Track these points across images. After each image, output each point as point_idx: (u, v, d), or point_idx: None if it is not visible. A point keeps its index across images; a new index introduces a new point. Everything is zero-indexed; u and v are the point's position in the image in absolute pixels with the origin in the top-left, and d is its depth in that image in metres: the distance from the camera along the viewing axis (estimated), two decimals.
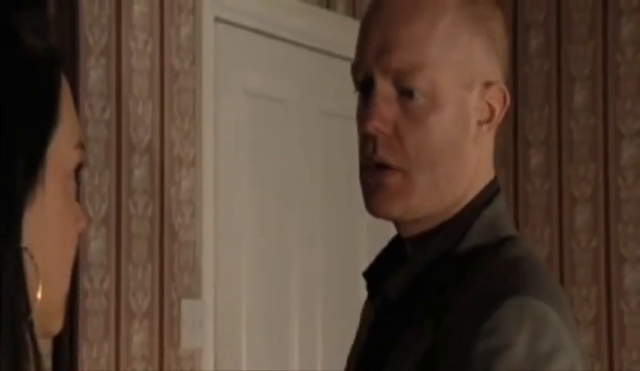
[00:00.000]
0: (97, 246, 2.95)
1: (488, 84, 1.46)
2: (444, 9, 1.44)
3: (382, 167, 1.43)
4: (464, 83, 1.44)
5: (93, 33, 2.98)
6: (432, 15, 1.43)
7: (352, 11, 3.87)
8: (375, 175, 1.43)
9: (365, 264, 4.24)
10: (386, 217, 1.46)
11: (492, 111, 1.47)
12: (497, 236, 1.45)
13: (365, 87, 1.45)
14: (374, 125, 1.41)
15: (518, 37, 4.26)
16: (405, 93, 1.42)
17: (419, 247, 1.47)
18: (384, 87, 1.42)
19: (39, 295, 0.95)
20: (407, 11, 1.43)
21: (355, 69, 1.47)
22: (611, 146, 4.04)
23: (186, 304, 3.18)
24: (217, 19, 3.36)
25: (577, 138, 4.11)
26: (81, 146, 1.01)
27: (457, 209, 1.46)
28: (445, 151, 1.43)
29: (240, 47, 3.46)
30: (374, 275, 1.54)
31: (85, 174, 2.94)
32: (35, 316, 0.95)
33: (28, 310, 0.93)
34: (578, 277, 4.05)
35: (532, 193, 4.19)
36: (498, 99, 1.47)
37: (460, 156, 1.45)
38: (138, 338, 3.05)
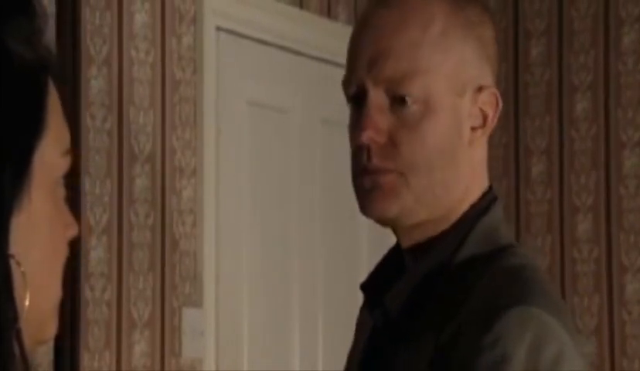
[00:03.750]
0: (98, 255, 2.95)
1: (480, 89, 1.46)
2: (433, 17, 1.44)
3: (377, 171, 1.43)
4: (456, 89, 1.44)
5: (95, 43, 2.98)
6: (422, 23, 1.43)
7: (354, 20, 3.88)
8: (370, 176, 1.43)
9: (365, 273, 4.24)
10: (381, 218, 1.45)
11: (485, 117, 1.47)
12: (495, 244, 1.44)
13: (357, 99, 1.45)
14: (368, 135, 1.41)
15: (519, 46, 4.26)
16: (398, 101, 1.42)
17: (417, 258, 1.46)
18: (377, 97, 1.42)
19: (26, 303, 0.95)
20: (397, 21, 1.44)
21: (347, 82, 1.48)
22: (613, 155, 4.04)
23: (187, 314, 3.18)
24: (218, 29, 3.36)
25: (579, 147, 4.11)
26: (69, 153, 1.01)
27: (454, 217, 1.45)
28: (440, 157, 1.42)
29: (241, 56, 3.47)
30: (372, 287, 1.53)
31: (86, 183, 2.94)
32: (25, 324, 0.94)
33: (15, 318, 0.93)
34: (580, 287, 4.04)
35: (533, 202, 4.18)
36: (490, 103, 1.47)
37: (455, 162, 1.44)
38: (139, 347, 3.05)
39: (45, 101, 0.98)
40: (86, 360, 2.90)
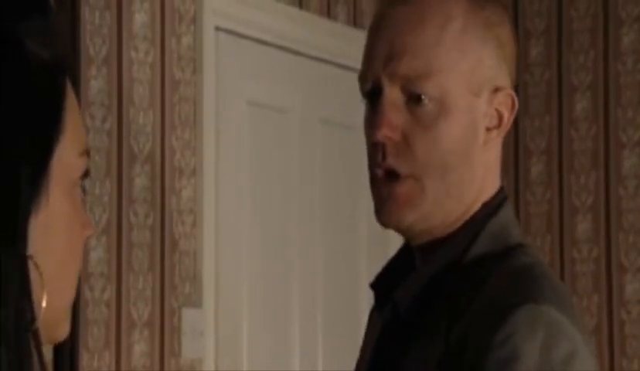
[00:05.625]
0: (97, 255, 2.95)
1: (496, 90, 1.46)
2: (452, 16, 1.43)
3: (392, 175, 1.42)
4: (472, 89, 1.43)
5: (94, 43, 2.98)
6: (441, 22, 1.43)
7: (353, 21, 3.88)
8: (386, 186, 1.42)
9: (364, 272, 4.22)
10: (397, 226, 1.45)
11: (501, 117, 1.46)
12: (505, 243, 1.44)
13: (373, 95, 1.44)
14: (383, 133, 1.40)
15: (518, 46, 4.26)
16: (413, 99, 1.41)
17: (427, 257, 1.46)
18: (392, 94, 1.42)
19: (44, 304, 0.95)
20: (415, 19, 1.43)
21: (363, 77, 1.46)
22: (612, 155, 4.04)
23: (187, 314, 3.18)
24: (218, 29, 3.36)
25: (578, 147, 4.11)
26: (87, 154, 1.01)
27: (466, 216, 1.45)
28: (455, 157, 1.42)
29: (240, 56, 3.47)
30: (382, 286, 1.53)
31: (86, 183, 2.93)
32: (41, 324, 0.94)
33: (33, 319, 0.93)
34: (579, 287, 4.04)
35: (533, 202, 4.18)
36: (506, 105, 1.47)
37: (469, 163, 1.44)
38: (139, 347, 3.05)
39: (64, 102, 0.98)
40: (85, 360, 2.90)
